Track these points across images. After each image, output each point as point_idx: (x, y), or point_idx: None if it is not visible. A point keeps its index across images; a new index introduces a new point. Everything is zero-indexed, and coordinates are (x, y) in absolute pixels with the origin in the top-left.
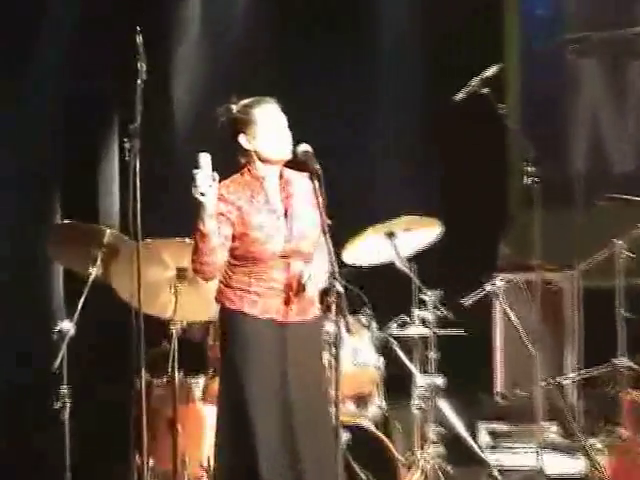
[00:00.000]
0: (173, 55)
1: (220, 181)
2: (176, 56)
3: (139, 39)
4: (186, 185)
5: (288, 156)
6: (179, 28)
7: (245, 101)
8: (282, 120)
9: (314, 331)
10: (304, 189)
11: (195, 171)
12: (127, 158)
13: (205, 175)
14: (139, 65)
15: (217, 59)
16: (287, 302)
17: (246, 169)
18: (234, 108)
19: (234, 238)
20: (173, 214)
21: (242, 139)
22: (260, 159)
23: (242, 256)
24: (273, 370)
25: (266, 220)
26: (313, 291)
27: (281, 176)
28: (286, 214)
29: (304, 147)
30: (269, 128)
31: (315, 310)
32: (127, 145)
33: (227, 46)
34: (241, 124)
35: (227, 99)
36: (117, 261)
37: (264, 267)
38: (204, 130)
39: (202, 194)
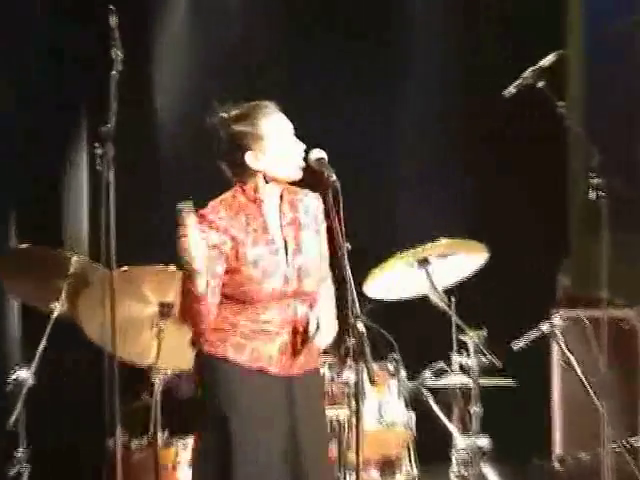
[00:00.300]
0: (156, 44)
1: (206, 202)
2: (160, 45)
3: (113, 20)
4: (170, 200)
5: (299, 175)
6: (164, 14)
7: (242, 110)
8: (291, 131)
9: (316, 384)
10: (310, 212)
11: (182, 231)
12: (98, 167)
13: (194, 233)
14: (113, 53)
15: (208, 51)
16: (287, 351)
17: (239, 188)
18: (229, 118)
19: (230, 275)
20: (155, 236)
21: (249, 157)
22: (266, 179)
23: (231, 295)
24: (269, 434)
25: (263, 254)
26: (323, 342)
27: (282, 197)
28: (287, 246)
29: (317, 153)
30: (280, 143)
31: (318, 359)
32: (98, 151)
33: (219, 38)
34: (246, 139)
35: (214, 105)
36: (86, 294)
37: (257, 306)
38: (193, 135)
39: (188, 257)
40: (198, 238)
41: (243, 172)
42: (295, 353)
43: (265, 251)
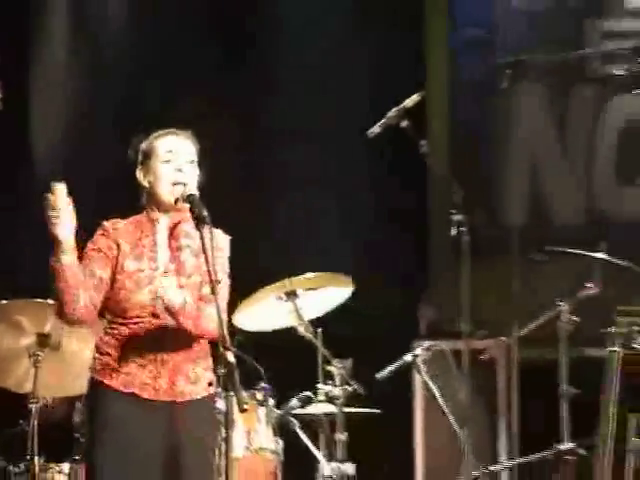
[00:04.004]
0: (33, 60)
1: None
2: (37, 62)
3: None
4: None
5: (170, 199)
6: (42, 45)
7: (154, 133)
8: (186, 155)
9: (203, 412)
10: (200, 247)
11: (48, 196)
12: None
13: (58, 199)
14: None
15: (97, 70)
16: (163, 375)
17: (145, 209)
18: (143, 141)
19: (111, 285)
20: (32, 268)
21: (138, 173)
22: (154, 200)
23: (112, 309)
24: (141, 467)
25: (142, 268)
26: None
27: (179, 222)
28: (168, 267)
29: (188, 191)
30: (166, 162)
31: (207, 388)
32: None
33: (115, 52)
34: (141, 156)
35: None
36: None
37: (132, 326)
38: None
39: (54, 219)
40: (64, 200)
41: (142, 192)
42: (172, 377)
43: (145, 266)
